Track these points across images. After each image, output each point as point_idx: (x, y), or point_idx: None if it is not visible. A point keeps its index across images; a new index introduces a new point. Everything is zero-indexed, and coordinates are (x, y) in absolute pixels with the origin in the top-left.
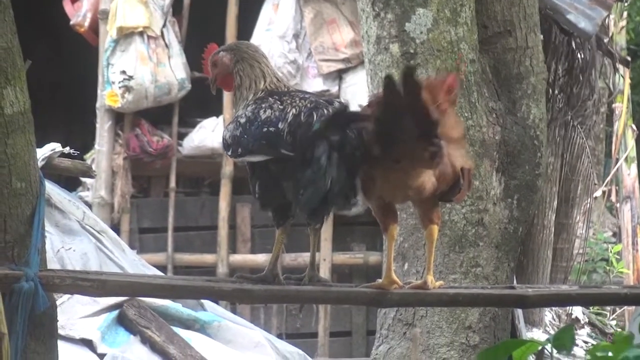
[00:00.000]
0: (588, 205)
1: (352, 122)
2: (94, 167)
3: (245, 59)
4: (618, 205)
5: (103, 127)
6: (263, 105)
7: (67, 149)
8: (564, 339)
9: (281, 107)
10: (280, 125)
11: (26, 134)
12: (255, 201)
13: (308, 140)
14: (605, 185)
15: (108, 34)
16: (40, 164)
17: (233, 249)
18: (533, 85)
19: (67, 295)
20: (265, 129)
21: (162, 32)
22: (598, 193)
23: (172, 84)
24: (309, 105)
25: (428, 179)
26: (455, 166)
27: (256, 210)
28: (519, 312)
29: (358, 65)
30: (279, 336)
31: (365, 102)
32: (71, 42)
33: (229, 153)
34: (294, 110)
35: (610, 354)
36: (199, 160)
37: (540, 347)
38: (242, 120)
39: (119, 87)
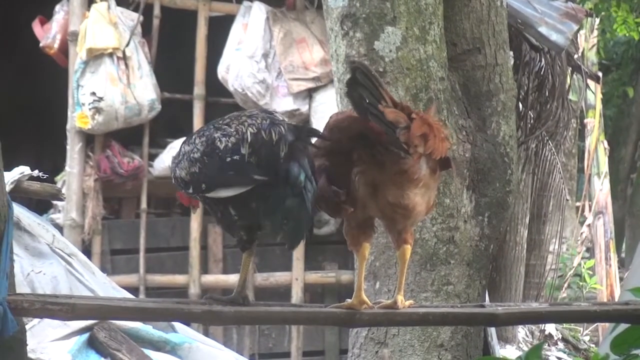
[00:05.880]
0: (560, 221)
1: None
2: (64, 189)
3: None
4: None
5: (74, 148)
6: (215, 136)
7: (36, 172)
8: (533, 358)
9: (232, 130)
10: (242, 151)
11: None
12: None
13: (278, 160)
14: (579, 201)
15: (78, 55)
16: (8, 187)
17: (205, 270)
18: (503, 103)
19: (38, 319)
20: (229, 159)
21: (124, 52)
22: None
23: (142, 105)
24: (265, 122)
25: (420, 202)
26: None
27: None
28: (492, 330)
29: (328, 84)
30: (252, 357)
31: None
32: (41, 64)
33: (190, 191)
34: (250, 129)
35: None
36: (170, 181)
37: None
38: (197, 155)
39: (89, 109)
